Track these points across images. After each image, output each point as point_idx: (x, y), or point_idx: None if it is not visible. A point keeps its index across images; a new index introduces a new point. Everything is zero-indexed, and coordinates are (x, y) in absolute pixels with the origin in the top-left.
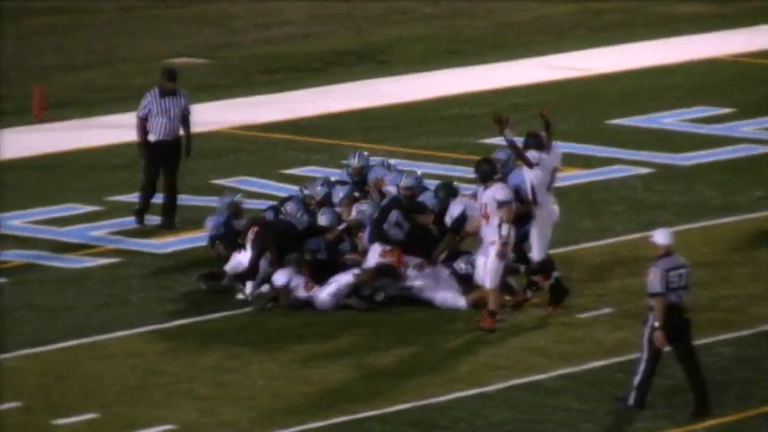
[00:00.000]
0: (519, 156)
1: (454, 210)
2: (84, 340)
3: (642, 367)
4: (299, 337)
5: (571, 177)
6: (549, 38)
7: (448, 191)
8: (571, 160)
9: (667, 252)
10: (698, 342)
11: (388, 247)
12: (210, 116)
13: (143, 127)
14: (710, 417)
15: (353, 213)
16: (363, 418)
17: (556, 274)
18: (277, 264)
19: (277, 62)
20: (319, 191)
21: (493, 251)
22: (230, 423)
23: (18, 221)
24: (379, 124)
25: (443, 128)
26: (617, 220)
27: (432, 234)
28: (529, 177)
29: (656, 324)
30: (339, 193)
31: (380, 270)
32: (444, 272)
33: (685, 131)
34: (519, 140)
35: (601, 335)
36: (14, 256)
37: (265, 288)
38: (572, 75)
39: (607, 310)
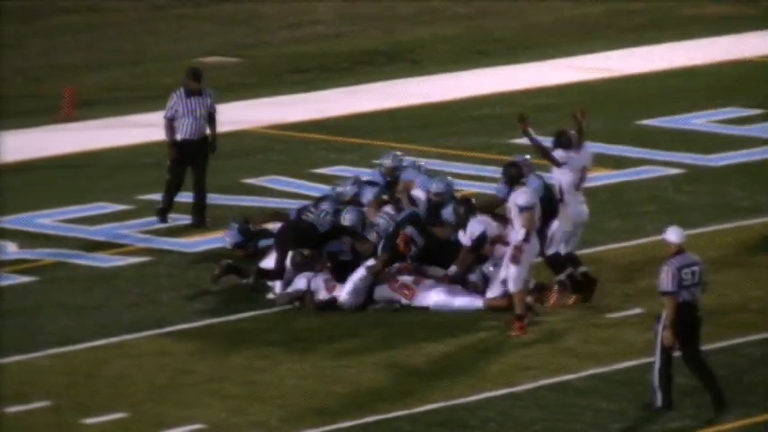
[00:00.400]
0: (545, 155)
1: (475, 228)
2: (114, 339)
3: (657, 366)
4: (329, 336)
5: (601, 178)
6: (578, 38)
7: (467, 208)
8: (601, 161)
9: (679, 250)
10: (727, 343)
11: (406, 262)
12: (240, 115)
13: (171, 127)
14: (737, 416)
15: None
16: (393, 418)
17: (582, 268)
18: (299, 265)
19: (307, 62)
20: (349, 190)
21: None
22: (260, 422)
23: (48, 220)
24: (409, 124)
25: (473, 128)
26: (647, 220)
27: (450, 246)
28: (557, 176)
29: (663, 319)
30: (368, 195)
31: (391, 255)
32: (456, 286)
33: (715, 132)
34: (545, 140)
35: (630, 335)
36: (44, 254)
37: (291, 289)
38: (601, 75)
39: (637, 311)
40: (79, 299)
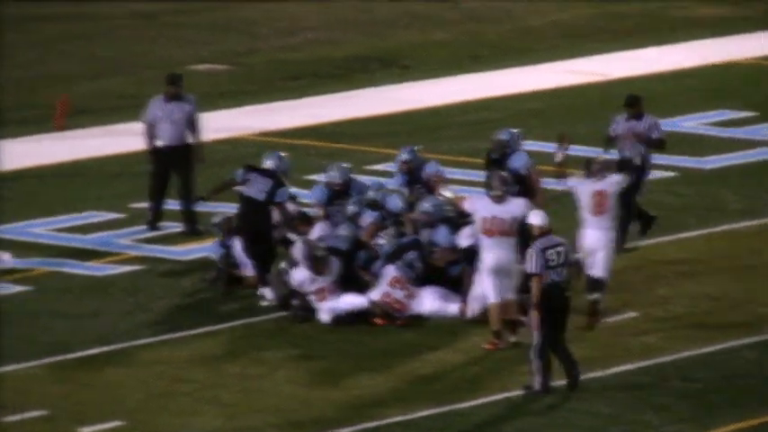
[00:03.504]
0: (560, 175)
1: (463, 241)
2: (109, 348)
3: (536, 347)
4: (325, 343)
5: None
6: (569, 42)
7: (460, 214)
8: None
9: (542, 232)
10: (722, 346)
11: (400, 275)
12: (233, 122)
13: (149, 133)
14: (732, 420)
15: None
16: (389, 424)
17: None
18: (249, 248)
19: (299, 68)
20: (350, 209)
21: None
22: (255, 430)
23: (41, 229)
24: (401, 129)
25: (465, 133)
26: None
27: (445, 275)
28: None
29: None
30: (366, 219)
31: (385, 311)
32: (452, 293)
33: (707, 135)
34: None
35: (626, 339)
36: (38, 263)
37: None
38: (593, 79)
39: (632, 314)
40: (73, 308)
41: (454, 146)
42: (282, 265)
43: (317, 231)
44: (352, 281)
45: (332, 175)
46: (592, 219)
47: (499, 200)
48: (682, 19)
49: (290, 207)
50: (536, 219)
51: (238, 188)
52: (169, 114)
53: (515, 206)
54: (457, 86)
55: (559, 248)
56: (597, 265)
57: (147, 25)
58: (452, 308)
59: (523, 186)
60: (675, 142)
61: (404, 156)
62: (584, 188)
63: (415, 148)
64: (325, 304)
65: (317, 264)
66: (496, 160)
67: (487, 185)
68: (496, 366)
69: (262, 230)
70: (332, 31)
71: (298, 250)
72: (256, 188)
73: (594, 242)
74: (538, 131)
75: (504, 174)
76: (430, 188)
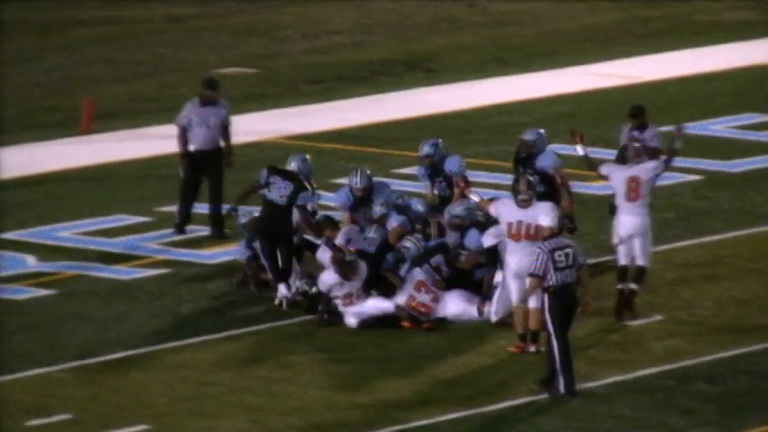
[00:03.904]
0: (591, 168)
1: (487, 240)
2: (134, 351)
3: (555, 349)
4: (350, 346)
5: None
6: (596, 46)
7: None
8: None
9: (552, 233)
10: (747, 349)
11: (424, 278)
12: (259, 126)
13: (183, 137)
14: (758, 423)
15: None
16: (414, 428)
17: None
18: (268, 253)
19: (325, 71)
20: (378, 210)
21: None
22: None
23: (67, 233)
24: (427, 133)
25: (492, 136)
26: (666, 227)
27: (471, 279)
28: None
29: (546, 303)
30: (393, 222)
31: (411, 315)
32: (475, 296)
33: (734, 138)
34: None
35: (652, 342)
36: (64, 267)
37: (323, 287)
38: (619, 82)
39: (658, 318)
40: (99, 311)
41: (482, 149)
42: (298, 283)
43: (343, 235)
44: (380, 282)
45: (354, 180)
46: (626, 204)
47: (525, 204)
48: (708, 22)
49: (310, 207)
50: (546, 220)
51: (262, 191)
52: (204, 119)
53: (541, 210)
54: (484, 90)
55: (568, 250)
56: (635, 253)
57: (173, 29)
58: (476, 311)
59: (551, 186)
60: (703, 145)
61: (426, 149)
62: (618, 174)
63: (438, 141)
64: (351, 308)
65: (345, 268)
66: (524, 160)
67: (514, 189)
68: (522, 369)
69: (282, 233)
70: (358, 34)
71: (324, 254)
72: (277, 192)
73: (630, 228)
74: (565, 135)
75: (530, 178)
76: (452, 183)
